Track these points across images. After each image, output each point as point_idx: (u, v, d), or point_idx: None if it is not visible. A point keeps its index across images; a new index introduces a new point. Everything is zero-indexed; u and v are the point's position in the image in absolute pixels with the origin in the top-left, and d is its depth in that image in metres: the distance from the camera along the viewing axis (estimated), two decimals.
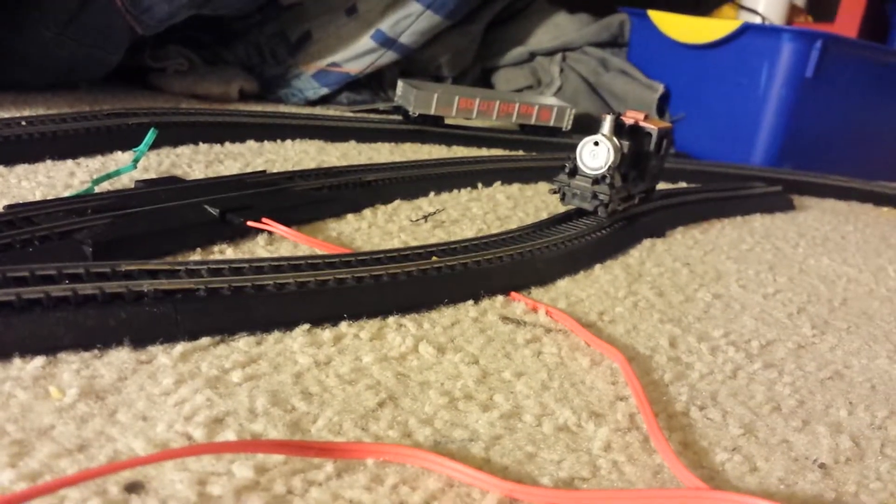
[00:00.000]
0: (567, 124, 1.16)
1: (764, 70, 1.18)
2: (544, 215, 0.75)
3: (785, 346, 0.55)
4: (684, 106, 1.30)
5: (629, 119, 0.69)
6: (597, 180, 0.67)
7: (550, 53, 1.40)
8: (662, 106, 1.31)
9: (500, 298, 0.54)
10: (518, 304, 0.54)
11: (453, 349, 0.45)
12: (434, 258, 0.54)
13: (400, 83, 1.07)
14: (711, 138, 1.26)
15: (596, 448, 0.38)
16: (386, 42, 1.16)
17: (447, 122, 1.08)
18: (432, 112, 1.05)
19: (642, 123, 0.69)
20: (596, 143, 0.66)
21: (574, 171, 0.68)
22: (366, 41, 1.16)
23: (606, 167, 0.66)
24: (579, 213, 0.70)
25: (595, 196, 0.67)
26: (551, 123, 1.16)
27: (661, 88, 1.31)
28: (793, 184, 1.09)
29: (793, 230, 0.90)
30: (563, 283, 0.59)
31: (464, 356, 0.45)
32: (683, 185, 0.99)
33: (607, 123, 0.66)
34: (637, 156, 0.70)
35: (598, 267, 0.64)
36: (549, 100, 1.20)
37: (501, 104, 1.11)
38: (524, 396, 0.42)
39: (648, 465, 0.37)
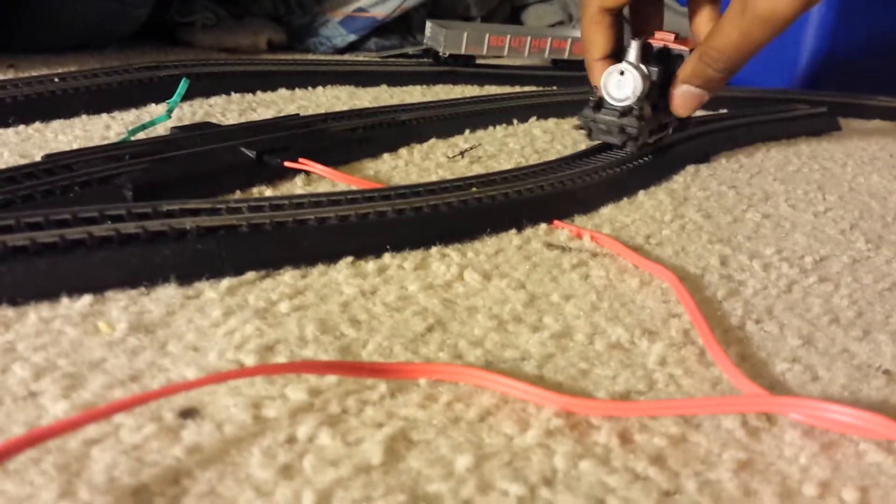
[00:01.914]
0: None
1: None
2: (582, 147, 0.73)
3: (839, 260, 0.53)
4: None
5: (657, 42, 0.63)
6: (624, 112, 0.62)
7: None
8: None
9: (542, 227, 0.53)
10: (562, 232, 0.53)
11: (499, 275, 0.45)
12: (474, 189, 0.53)
13: (429, 24, 1.05)
14: (751, 63, 1.22)
15: (651, 363, 0.37)
16: None
17: (478, 62, 1.06)
18: (463, 52, 1.03)
19: (672, 45, 0.63)
20: (622, 73, 0.61)
21: (599, 105, 0.63)
22: None
23: (634, 98, 0.61)
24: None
25: (622, 130, 0.62)
26: None
27: None
28: (837, 106, 1.05)
29: (840, 151, 0.88)
30: (607, 210, 0.58)
31: (510, 282, 0.44)
32: (724, 111, 0.96)
33: (633, 49, 0.61)
34: (668, 82, 0.63)
35: (641, 193, 0.63)
36: None
37: (533, 40, 1.08)
38: (574, 317, 0.41)
39: (706, 377, 0.36)
